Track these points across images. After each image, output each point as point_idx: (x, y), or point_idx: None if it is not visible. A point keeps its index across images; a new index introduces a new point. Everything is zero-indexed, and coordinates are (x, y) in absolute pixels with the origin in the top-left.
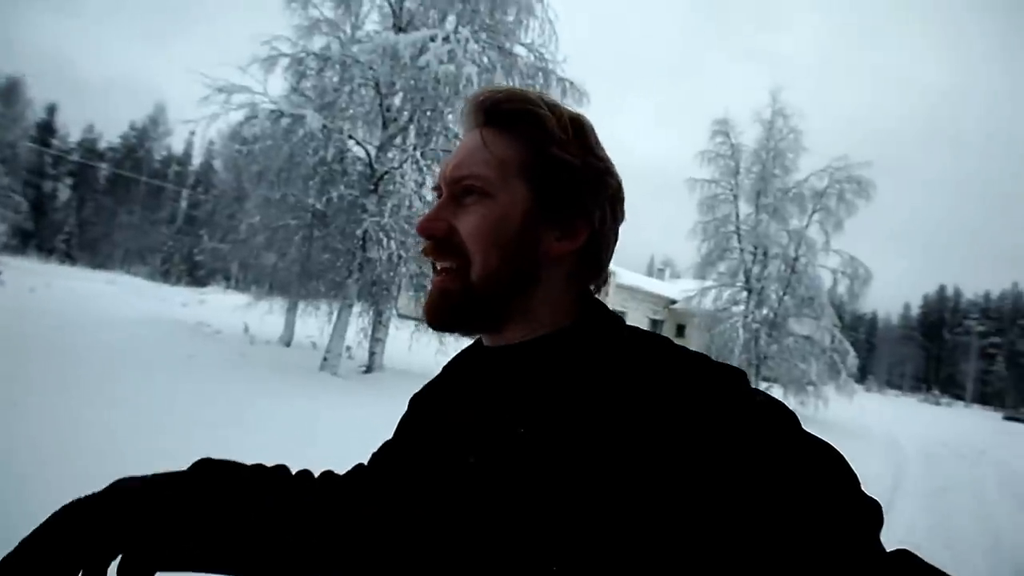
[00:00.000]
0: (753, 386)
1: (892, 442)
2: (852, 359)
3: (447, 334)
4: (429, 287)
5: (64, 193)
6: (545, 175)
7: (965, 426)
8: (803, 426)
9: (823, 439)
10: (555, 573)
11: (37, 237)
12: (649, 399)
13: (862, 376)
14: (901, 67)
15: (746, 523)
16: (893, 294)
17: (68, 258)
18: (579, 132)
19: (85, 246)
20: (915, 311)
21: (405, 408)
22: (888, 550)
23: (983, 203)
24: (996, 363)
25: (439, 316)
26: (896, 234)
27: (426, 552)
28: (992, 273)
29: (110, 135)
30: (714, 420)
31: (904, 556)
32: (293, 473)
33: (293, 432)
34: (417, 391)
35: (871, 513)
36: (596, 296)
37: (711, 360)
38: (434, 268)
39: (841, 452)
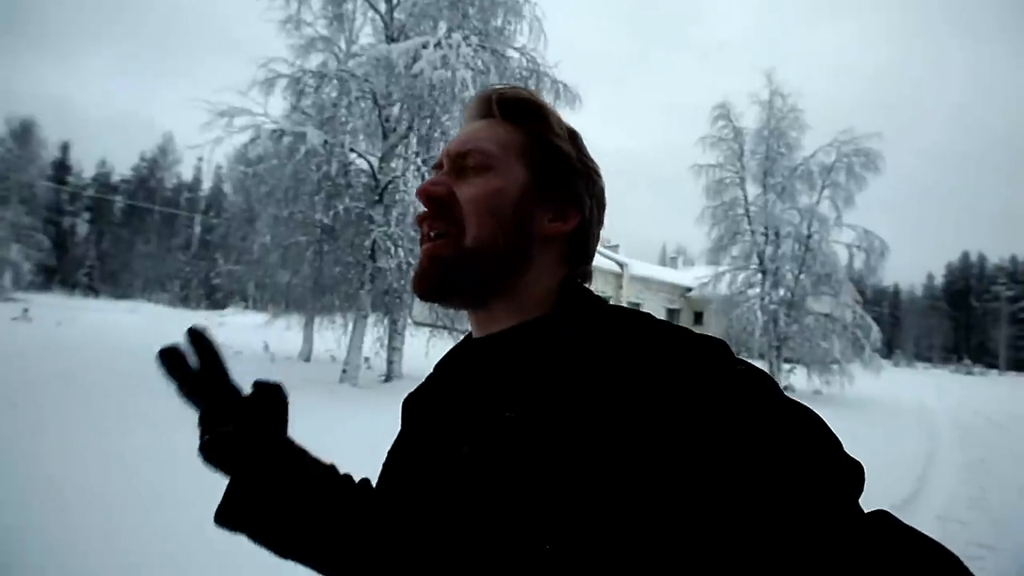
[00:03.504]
0: (754, 362)
1: (925, 416)
2: (876, 334)
3: (435, 304)
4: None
5: (83, 228)
6: (544, 159)
7: (1000, 395)
8: (784, 393)
9: (802, 403)
10: (548, 551)
11: (60, 272)
12: (631, 375)
13: (889, 351)
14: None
15: (728, 489)
16: (915, 265)
17: (91, 291)
18: (573, 136)
19: (106, 278)
20: (939, 280)
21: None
22: (867, 511)
23: (999, 168)
24: None
25: (429, 282)
26: (912, 204)
27: (425, 545)
28: (1016, 236)
29: (122, 168)
30: (695, 391)
31: (882, 516)
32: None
33: (316, 445)
34: (409, 393)
35: (851, 474)
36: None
37: (692, 333)
38: (425, 238)
39: (821, 416)
